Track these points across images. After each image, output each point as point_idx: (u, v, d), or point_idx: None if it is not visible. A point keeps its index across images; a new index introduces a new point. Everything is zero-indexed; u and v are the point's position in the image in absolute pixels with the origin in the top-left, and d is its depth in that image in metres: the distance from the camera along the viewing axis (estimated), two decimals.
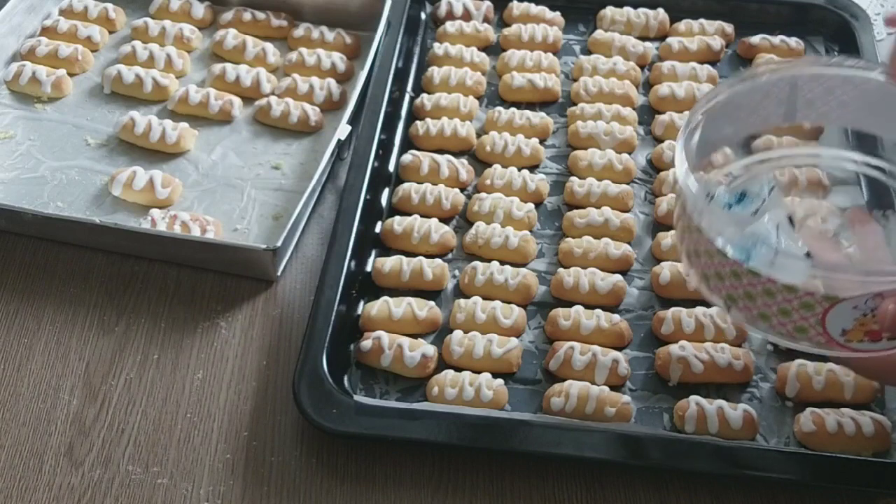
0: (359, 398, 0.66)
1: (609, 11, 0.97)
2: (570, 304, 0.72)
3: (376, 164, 0.81)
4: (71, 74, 0.91)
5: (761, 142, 0.67)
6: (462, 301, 0.72)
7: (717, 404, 0.65)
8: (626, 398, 0.66)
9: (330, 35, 0.95)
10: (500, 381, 0.68)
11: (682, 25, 0.97)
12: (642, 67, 0.94)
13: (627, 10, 0.97)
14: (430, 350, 0.69)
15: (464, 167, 0.82)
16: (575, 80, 0.92)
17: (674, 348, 0.69)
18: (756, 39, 0.95)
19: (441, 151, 0.84)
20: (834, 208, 0.65)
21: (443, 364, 0.69)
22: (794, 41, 0.94)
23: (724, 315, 0.61)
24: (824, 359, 0.69)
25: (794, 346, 0.54)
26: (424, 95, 0.89)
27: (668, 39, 0.95)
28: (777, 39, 0.94)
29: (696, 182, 0.54)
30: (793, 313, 0.52)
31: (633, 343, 0.72)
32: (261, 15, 0.96)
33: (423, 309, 0.72)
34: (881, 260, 0.60)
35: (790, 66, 0.63)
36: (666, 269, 0.74)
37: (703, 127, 0.58)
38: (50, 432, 0.67)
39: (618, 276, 0.74)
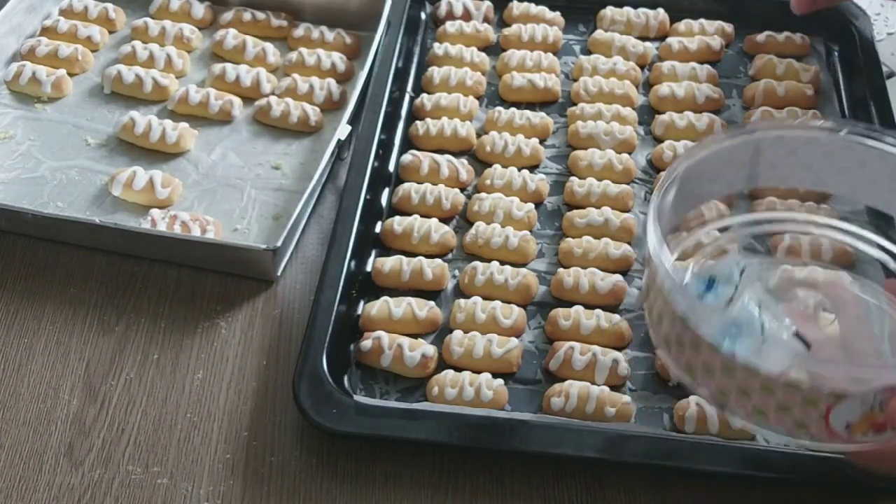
0: (359, 398, 0.66)
1: (609, 11, 0.97)
2: (570, 304, 0.72)
3: (376, 164, 0.81)
4: (71, 74, 0.91)
5: (765, 202, 0.66)
6: (462, 301, 0.72)
7: None
8: (627, 398, 0.66)
9: (330, 35, 0.95)
10: (500, 381, 0.68)
11: (682, 25, 0.97)
12: (642, 67, 0.94)
13: (627, 10, 0.97)
14: (430, 350, 0.69)
15: (464, 167, 0.82)
16: (575, 80, 0.92)
17: None
18: (762, 37, 0.95)
19: (441, 151, 0.84)
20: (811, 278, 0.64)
21: (443, 364, 0.69)
22: (798, 37, 0.94)
23: (712, 405, 0.56)
24: None
25: (790, 441, 0.52)
26: (424, 95, 0.89)
27: (668, 39, 0.95)
28: (782, 36, 0.95)
29: (673, 268, 0.51)
30: (794, 409, 0.49)
31: (633, 343, 0.72)
32: (261, 15, 0.96)
33: (423, 309, 0.72)
34: (863, 342, 0.57)
35: (753, 129, 0.62)
36: None
37: (676, 188, 0.56)
38: (50, 432, 0.67)
39: (618, 276, 0.74)
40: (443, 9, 0.98)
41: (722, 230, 0.65)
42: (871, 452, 0.52)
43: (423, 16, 0.98)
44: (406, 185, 0.80)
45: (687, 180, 0.56)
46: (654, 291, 0.53)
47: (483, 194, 0.80)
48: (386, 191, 0.81)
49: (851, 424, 0.49)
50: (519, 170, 0.82)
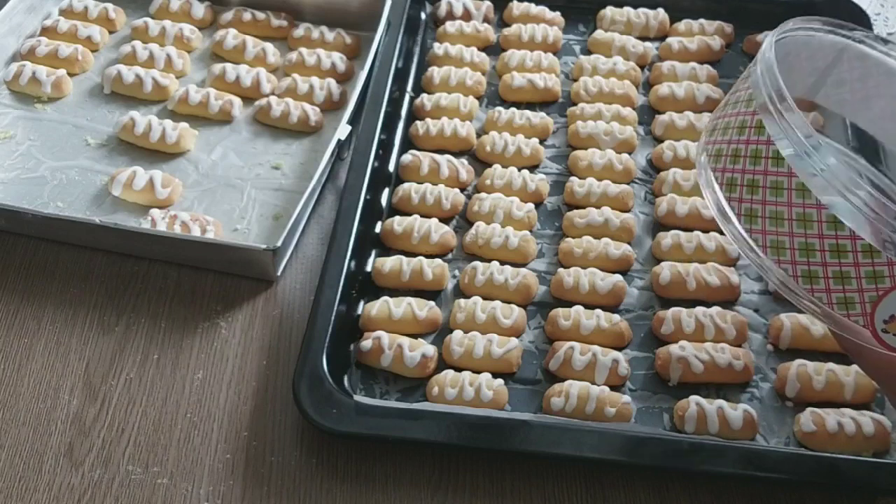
0: (359, 398, 0.66)
1: (609, 11, 0.97)
2: (570, 304, 0.72)
3: (376, 164, 0.81)
4: (71, 74, 0.91)
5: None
6: (462, 301, 0.72)
7: (717, 404, 0.65)
8: (626, 398, 0.66)
9: (330, 35, 0.95)
10: (500, 381, 0.68)
11: (682, 25, 0.97)
12: (642, 67, 0.94)
13: (627, 10, 0.97)
14: (430, 350, 0.69)
15: (464, 167, 0.82)
16: (575, 80, 0.92)
17: (674, 348, 0.69)
18: (762, 37, 0.95)
19: (441, 151, 0.84)
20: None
21: (443, 364, 0.69)
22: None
23: (758, 261, 0.50)
24: (824, 359, 0.69)
25: (819, 318, 0.49)
26: (424, 95, 0.89)
27: (668, 39, 0.96)
28: None
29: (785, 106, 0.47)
30: (853, 281, 0.46)
31: (633, 343, 0.72)
32: (261, 15, 0.96)
33: (423, 309, 0.72)
34: None
35: (849, 33, 0.57)
36: (666, 269, 0.74)
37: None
38: (50, 432, 0.67)
39: (618, 276, 0.74)
40: (443, 9, 0.98)
41: None
42: (886, 363, 0.51)
43: (423, 16, 0.98)
44: (406, 185, 0.80)
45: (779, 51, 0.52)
46: (739, 130, 0.49)
47: (483, 194, 0.80)
48: (386, 191, 0.81)
49: (893, 318, 0.46)
50: (519, 170, 0.82)
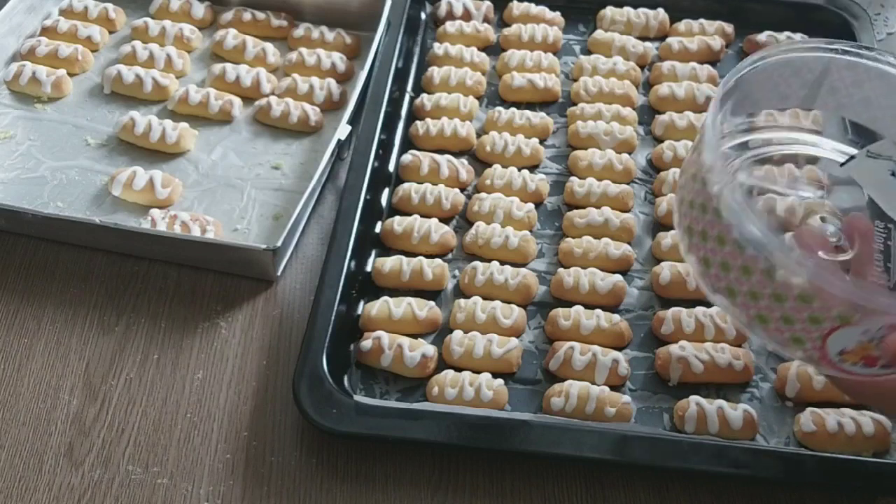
0: (359, 398, 0.66)
1: (609, 11, 0.97)
2: (570, 304, 0.72)
3: (376, 164, 0.81)
4: (71, 74, 0.91)
5: (763, 116, 0.65)
6: (462, 301, 0.72)
7: (717, 404, 0.65)
8: (626, 398, 0.66)
9: (330, 35, 0.95)
10: (500, 381, 0.68)
11: (682, 25, 0.97)
12: (642, 67, 0.94)
13: (627, 10, 0.97)
14: (430, 350, 0.69)
15: (464, 167, 0.82)
16: (575, 80, 0.92)
17: (674, 348, 0.69)
18: (762, 37, 0.95)
19: (441, 151, 0.84)
20: (835, 209, 0.65)
21: (443, 364, 0.69)
22: (799, 37, 0.95)
23: (723, 307, 0.56)
24: None
25: (781, 353, 0.53)
26: (424, 95, 0.89)
27: (668, 39, 0.96)
28: (783, 36, 0.95)
29: (722, 161, 0.50)
30: (797, 323, 0.50)
31: (633, 343, 0.72)
32: (261, 15, 0.96)
33: (423, 309, 0.72)
34: (875, 275, 0.58)
35: (830, 46, 0.60)
36: (666, 269, 0.74)
37: (734, 95, 0.55)
38: (50, 432, 0.67)
39: (618, 276, 0.74)
40: (443, 9, 0.98)
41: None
42: (856, 385, 0.53)
43: (423, 16, 0.98)
44: (406, 185, 0.80)
45: (749, 82, 0.56)
46: (692, 180, 0.53)
47: (483, 194, 0.80)
48: (386, 191, 0.81)
49: (845, 351, 0.50)
50: (519, 170, 0.82)
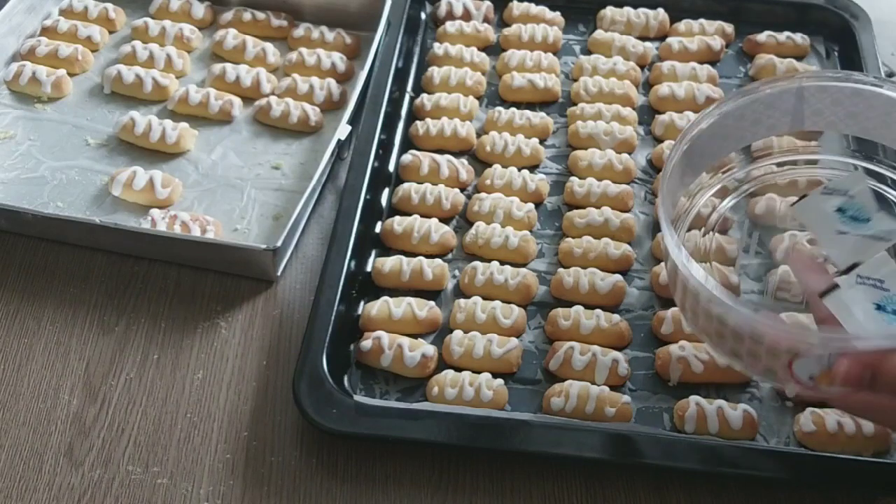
0: (359, 398, 0.66)
1: (609, 11, 0.97)
2: (570, 304, 0.72)
3: (376, 164, 0.81)
4: (71, 74, 0.91)
5: (762, 143, 0.67)
6: (462, 301, 0.72)
7: (717, 404, 0.65)
8: (626, 398, 0.66)
9: (330, 35, 0.95)
10: (500, 381, 0.68)
11: (682, 25, 0.97)
12: (642, 67, 0.94)
13: (627, 10, 0.97)
14: (430, 350, 0.69)
15: (464, 167, 0.82)
16: (575, 80, 0.92)
17: (674, 348, 0.69)
18: (762, 37, 0.95)
19: (441, 151, 0.84)
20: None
21: (443, 364, 0.69)
22: (799, 37, 0.95)
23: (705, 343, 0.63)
24: None
25: (769, 383, 0.57)
26: (424, 95, 0.89)
27: (668, 39, 0.95)
28: (783, 36, 0.95)
29: (674, 240, 0.56)
30: (762, 357, 0.54)
31: (633, 343, 0.72)
32: (261, 15, 0.96)
33: (423, 309, 0.72)
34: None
35: (794, 79, 0.64)
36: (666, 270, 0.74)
37: (688, 152, 0.61)
38: (50, 432, 0.67)
39: (618, 276, 0.74)
40: (443, 9, 0.98)
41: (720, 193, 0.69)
42: (869, 405, 0.55)
43: (423, 16, 0.98)
44: (406, 185, 0.80)
45: (720, 126, 0.62)
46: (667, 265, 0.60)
47: (483, 194, 0.80)
48: (386, 191, 0.81)
49: (814, 377, 0.53)
50: (519, 170, 0.82)
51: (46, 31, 0.94)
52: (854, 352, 0.50)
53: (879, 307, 0.55)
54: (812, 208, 0.60)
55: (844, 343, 0.52)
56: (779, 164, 0.69)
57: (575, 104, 0.89)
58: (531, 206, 0.79)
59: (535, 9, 0.98)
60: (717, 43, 0.94)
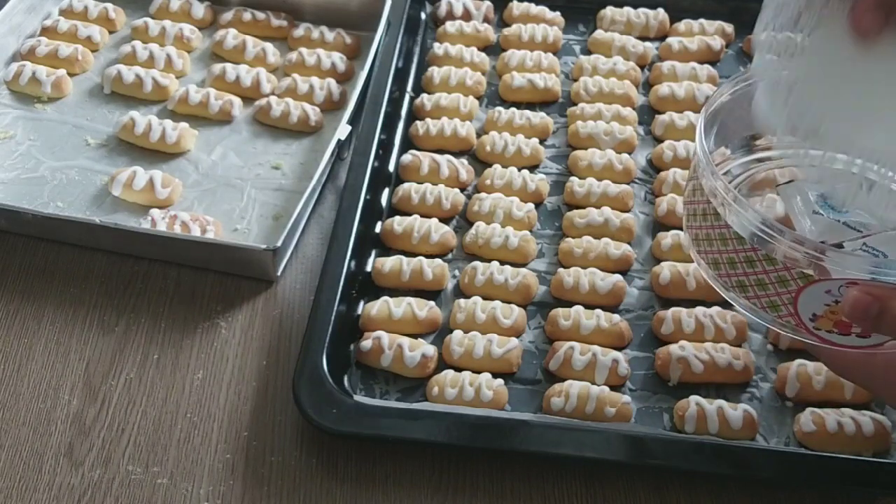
0: (359, 398, 0.66)
1: (609, 11, 0.97)
2: (570, 304, 0.72)
3: (376, 164, 0.81)
4: (71, 74, 0.91)
5: (763, 141, 0.67)
6: (462, 301, 0.72)
7: (717, 404, 0.65)
8: (626, 398, 0.66)
9: (330, 35, 0.95)
10: (500, 381, 0.68)
11: (682, 25, 0.98)
12: (642, 67, 0.94)
13: (627, 10, 0.97)
14: (430, 350, 0.69)
15: (464, 167, 0.82)
16: (575, 80, 0.92)
17: (674, 348, 0.69)
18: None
19: (441, 151, 0.84)
20: None
21: (443, 364, 0.69)
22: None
23: (709, 277, 0.61)
24: None
25: (766, 323, 0.56)
26: (424, 95, 0.89)
27: (668, 39, 0.96)
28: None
29: (711, 147, 0.56)
30: (769, 286, 0.53)
31: (633, 343, 0.72)
32: (261, 15, 0.96)
33: (423, 309, 0.72)
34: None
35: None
36: (666, 269, 0.74)
37: (719, 119, 0.60)
38: (50, 432, 0.67)
39: (618, 276, 0.74)
40: (443, 9, 0.98)
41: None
42: (839, 358, 0.56)
43: (423, 16, 0.99)
44: (406, 185, 0.80)
45: (730, 109, 0.61)
46: (691, 169, 0.60)
47: (483, 194, 0.80)
48: (386, 191, 0.81)
49: (817, 316, 0.53)
50: (519, 170, 0.82)
51: (46, 31, 0.94)
52: (869, 283, 0.50)
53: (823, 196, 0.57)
54: (795, 193, 0.60)
55: (872, 267, 0.50)
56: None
57: (575, 104, 0.89)
58: (531, 206, 0.79)
59: (535, 9, 0.98)
60: (717, 43, 0.94)
